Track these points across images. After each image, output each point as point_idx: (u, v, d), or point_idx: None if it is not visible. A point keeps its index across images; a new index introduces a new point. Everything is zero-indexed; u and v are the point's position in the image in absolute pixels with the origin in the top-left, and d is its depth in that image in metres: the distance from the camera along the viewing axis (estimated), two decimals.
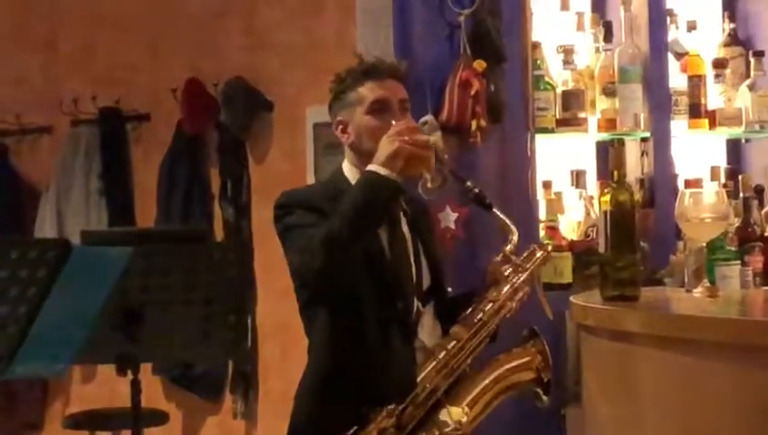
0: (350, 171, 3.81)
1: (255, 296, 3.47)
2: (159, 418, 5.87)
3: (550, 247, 3.94)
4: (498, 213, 3.69)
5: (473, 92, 4.43)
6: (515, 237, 3.68)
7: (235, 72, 6.08)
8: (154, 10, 6.46)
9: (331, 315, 3.69)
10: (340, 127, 3.80)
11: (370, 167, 3.55)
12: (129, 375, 3.35)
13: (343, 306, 3.66)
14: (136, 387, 3.37)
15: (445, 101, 4.52)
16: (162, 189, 6.35)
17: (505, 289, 3.73)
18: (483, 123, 4.53)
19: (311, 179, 5.81)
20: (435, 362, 3.67)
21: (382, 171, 3.54)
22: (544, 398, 3.73)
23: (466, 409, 3.67)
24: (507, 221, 3.69)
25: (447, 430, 3.63)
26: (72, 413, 6.34)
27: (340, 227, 3.57)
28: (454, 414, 3.64)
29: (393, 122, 3.63)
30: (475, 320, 3.71)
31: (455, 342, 3.69)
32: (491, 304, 3.71)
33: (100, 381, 6.28)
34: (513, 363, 3.76)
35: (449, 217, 4.51)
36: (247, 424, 6.18)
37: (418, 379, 3.65)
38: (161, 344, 3.48)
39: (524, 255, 3.77)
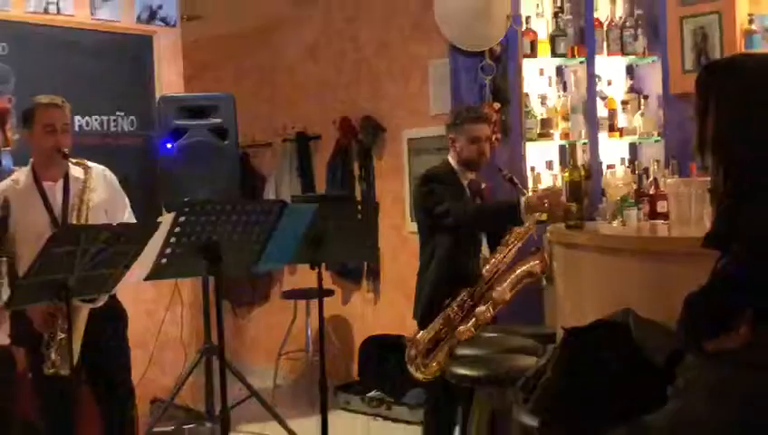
0: (454, 165, 3.85)
1: (377, 229, 3.47)
2: (330, 293, 5.89)
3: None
4: (518, 184, 3.78)
5: (493, 120, 4.48)
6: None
7: (366, 113, 6.12)
8: (327, 78, 6.52)
9: (451, 240, 3.73)
10: (451, 140, 3.88)
11: (522, 200, 3.63)
12: (315, 269, 3.28)
13: (459, 237, 3.73)
14: (319, 276, 3.28)
15: None
16: (328, 175, 6.35)
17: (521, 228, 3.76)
18: (498, 136, 4.57)
19: (406, 170, 5.88)
20: (488, 265, 3.73)
21: (522, 210, 3.59)
22: (545, 282, 3.80)
23: (506, 288, 3.70)
24: (522, 188, 3.77)
25: (495, 296, 3.68)
26: (284, 290, 6.31)
27: (479, 215, 3.73)
28: (497, 293, 3.69)
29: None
30: (509, 242, 3.75)
31: (498, 254, 3.74)
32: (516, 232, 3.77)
33: (300, 273, 6.19)
34: (529, 264, 3.77)
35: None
36: (374, 296, 6.17)
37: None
38: (332, 253, 3.35)
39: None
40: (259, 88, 6.85)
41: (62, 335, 3.14)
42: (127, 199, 3.64)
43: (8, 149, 4.38)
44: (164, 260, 2.79)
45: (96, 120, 5.05)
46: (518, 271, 3.76)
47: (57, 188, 3.41)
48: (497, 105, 4.61)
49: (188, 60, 5.65)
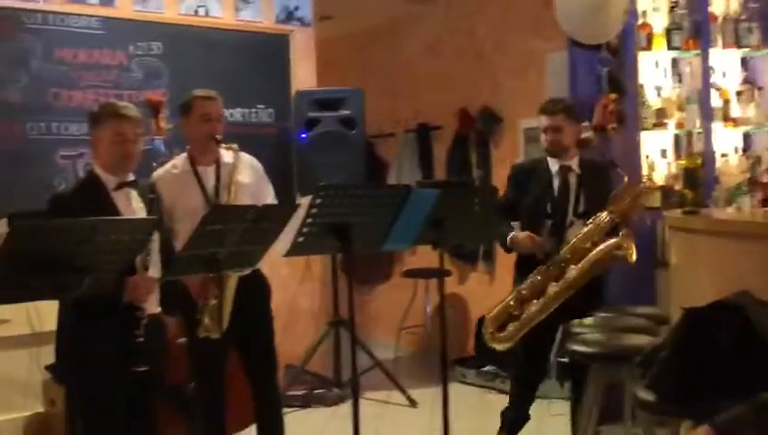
0: (545, 154, 3.83)
1: (495, 213, 3.43)
2: (447, 273, 5.90)
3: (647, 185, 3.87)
4: (620, 170, 3.68)
5: (609, 110, 4.39)
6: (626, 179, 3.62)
7: (484, 103, 6.10)
8: (446, 72, 6.52)
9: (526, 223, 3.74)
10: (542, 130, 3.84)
11: (509, 236, 3.71)
12: (437, 250, 3.22)
13: (524, 223, 3.74)
14: (441, 256, 3.23)
15: (595, 114, 4.49)
16: (448, 163, 6.36)
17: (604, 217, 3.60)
18: (614, 126, 4.48)
19: (521, 156, 5.83)
20: (568, 245, 3.64)
21: (508, 244, 3.73)
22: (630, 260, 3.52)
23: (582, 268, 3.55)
24: (623, 174, 3.66)
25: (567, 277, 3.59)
26: (405, 269, 6.32)
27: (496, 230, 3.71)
28: (569, 274, 3.57)
29: None
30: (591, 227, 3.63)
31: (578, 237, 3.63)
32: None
33: (419, 254, 6.19)
34: (606, 246, 3.53)
35: None
36: (489, 277, 6.16)
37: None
38: (452, 236, 3.26)
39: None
40: (383, 82, 6.91)
41: (214, 302, 3.27)
42: (271, 186, 3.75)
43: (162, 137, 4.57)
44: (301, 238, 2.86)
45: (238, 112, 5.22)
46: (594, 253, 3.55)
47: (210, 171, 3.54)
48: (614, 96, 4.51)
49: (320, 57, 5.76)
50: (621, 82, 4.56)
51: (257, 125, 5.33)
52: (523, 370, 3.90)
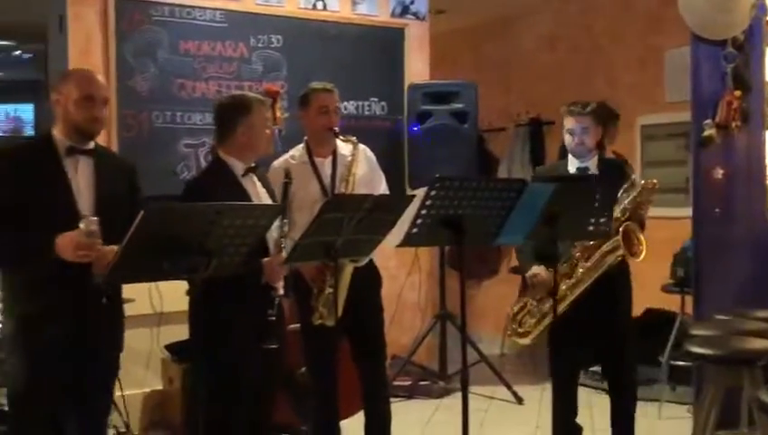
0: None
1: (612, 210, 3.38)
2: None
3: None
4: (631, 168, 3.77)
5: (733, 108, 4.25)
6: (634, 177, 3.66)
7: (599, 99, 5.96)
8: (562, 66, 6.45)
9: None
10: None
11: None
12: None
13: None
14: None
15: (718, 112, 4.35)
16: (560, 158, 6.17)
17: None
18: (738, 124, 4.32)
19: (638, 154, 5.72)
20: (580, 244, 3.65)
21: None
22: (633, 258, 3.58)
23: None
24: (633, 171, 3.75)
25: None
26: (513, 266, 6.15)
27: None
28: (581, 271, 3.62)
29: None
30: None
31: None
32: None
33: None
34: (608, 246, 3.56)
35: None
36: None
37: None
38: (567, 231, 3.22)
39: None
40: (496, 76, 6.90)
41: (330, 290, 3.37)
42: (383, 177, 3.82)
43: (278, 127, 4.72)
44: (415, 230, 2.90)
45: (352, 104, 5.33)
46: (597, 252, 3.61)
47: (327, 163, 3.64)
48: (738, 93, 4.36)
49: (434, 50, 5.80)
50: (746, 78, 4.40)
51: (369, 118, 5.43)
52: (555, 374, 3.82)
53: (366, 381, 3.74)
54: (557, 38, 6.51)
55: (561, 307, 3.57)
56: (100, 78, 2.95)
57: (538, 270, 3.66)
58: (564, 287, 3.61)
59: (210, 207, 2.52)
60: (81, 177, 2.84)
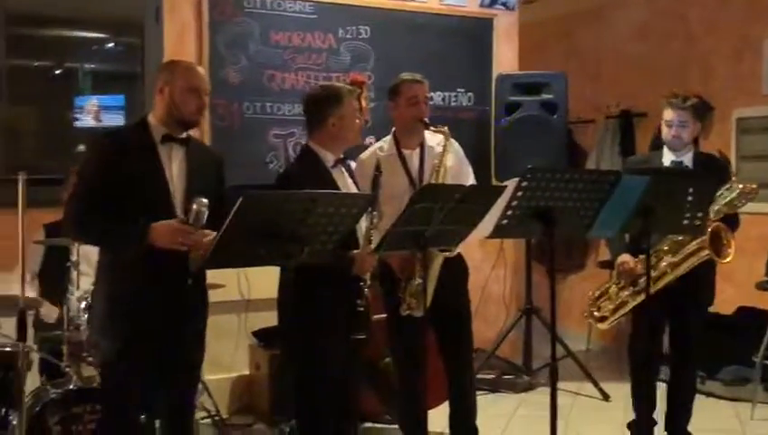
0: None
1: (709, 205, 3.31)
2: None
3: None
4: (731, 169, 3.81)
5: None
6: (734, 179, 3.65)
7: (694, 90, 5.81)
8: (655, 57, 6.31)
9: None
10: None
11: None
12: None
13: None
14: (647, 248, 3.18)
15: None
16: (652, 150, 6.09)
17: None
18: None
19: (733, 148, 5.56)
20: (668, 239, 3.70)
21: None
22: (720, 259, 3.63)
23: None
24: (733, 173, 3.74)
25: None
26: (600, 260, 5.93)
27: None
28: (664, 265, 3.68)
29: None
30: None
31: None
32: None
33: None
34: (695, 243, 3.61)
35: None
36: None
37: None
38: (661, 226, 3.20)
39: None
40: (585, 66, 6.79)
41: (418, 281, 3.40)
42: (470, 168, 3.82)
43: (363, 117, 4.75)
44: (505, 221, 2.90)
45: (439, 95, 5.34)
46: (683, 249, 3.66)
47: (414, 155, 3.66)
48: None
49: (522, 40, 5.76)
50: None
51: (456, 109, 5.43)
52: (636, 369, 3.94)
53: (451, 372, 3.75)
54: (650, 27, 6.36)
55: (640, 298, 3.64)
56: (201, 69, 3.06)
57: (626, 258, 3.74)
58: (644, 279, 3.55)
59: (305, 194, 2.59)
60: (174, 164, 2.92)
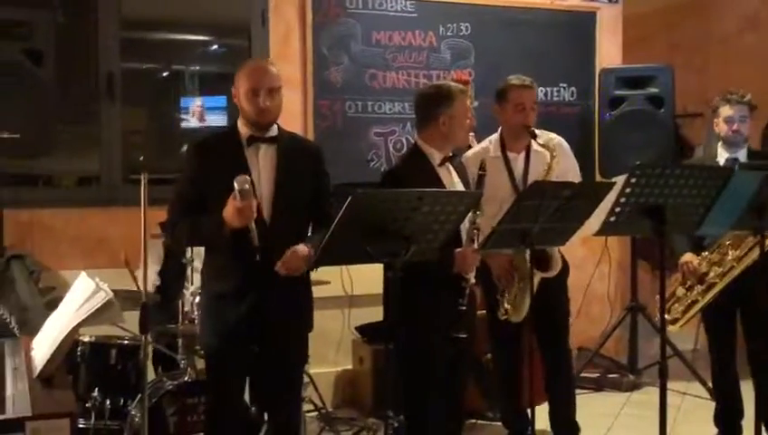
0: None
1: None
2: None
3: None
4: None
5: None
6: None
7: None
8: (766, 48, 6.08)
9: None
10: None
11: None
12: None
13: None
14: (762, 245, 3.10)
15: None
16: (763, 144, 5.88)
17: None
18: None
19: None
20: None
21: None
22: None
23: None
24: None
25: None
26: None
27: None
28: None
29: None
30: None
31: None
32: None
33: None
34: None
35: None
36: None
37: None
38: None
39: None
40: (691, 59, 6.60)
41: (516, 288, 3.39)
42: (576, 165, 3.79)
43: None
44: (613, 218, 2.87)
45: (541, 90, 5.29)
46: (744, 243, 3.63)
47: (520, 159, 3.65)
48: None
49: (626, 33, 5.65)
50: None
51: (558, 104, 5.37)
52: (716, 365, 3.95)
53: (550, 370, 3.73)
54: (761, 18, 6.13)
55: (710, 295, 3.68)
56: (272, 68, 2.99)
57: (689, 257, 3.74)
58: (713, 274, 3.65)
59: (412, 192, 2.62)
60: (262, 164, 2.94)
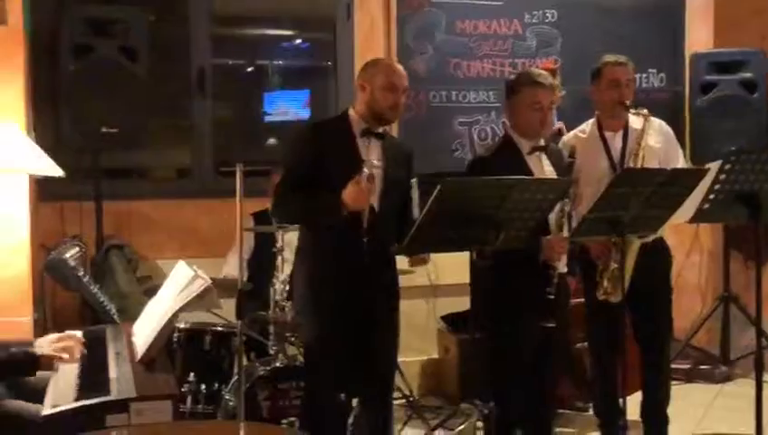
0: None
1: None
2: None
3: None
4: None
5: None
6: None
7: None
8: None
9: None
10: None
11: None
12: None
13: None
14: None
15: None
16: None
17: None
18: None
19: None
20: None
21: None
22: None
23: None
24: None
25: None
26: None
27: None
28: None
29: None
30: None
31: None
32: None
33: None
34: None
35: None
36: None
37: None
38: None
39: None
40: None
41: (615, 266, 3.34)
42: (681, 151, 3.71)
43: (555, 105, 4.70)
44: (707, 205, 2.82)
45: None
46: None
47: (617, 137, 3.59)
48: None
49: (718, 16, 5.48)
50: None
51: (647, 90, 5.26)
52: None
53: (647, 360, 3.67)
54: None
55: None
56: (401, 68, 3.14)
57: None
58: None
59: (502, 180, 2.62)
60: (371, 157, 3.02)
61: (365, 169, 2.84)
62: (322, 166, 2.97)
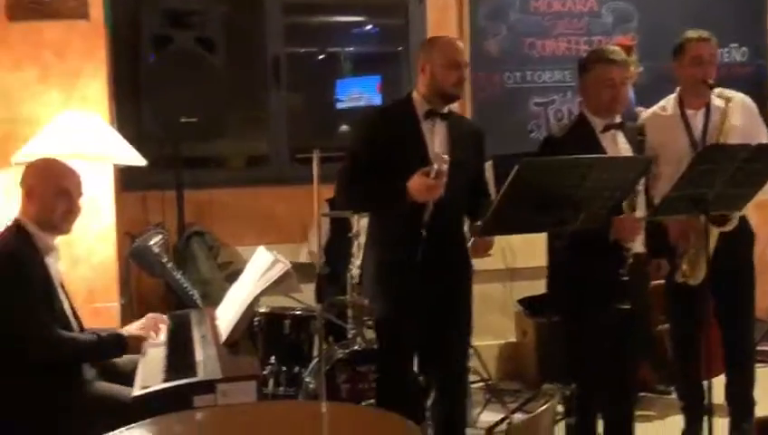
0: None
1: None
2: None
3: None
4: None
5: None
6: None
7: None
8: None
9: None
10: None
11: None
12: None
13: None
14: None
15: None
16: None
17: None
18: None
19: None
20: None
21: None
22: None
23: None
24: None
25: None
26: None
27: None
28: None
29: None
30: None
31: None
32: None
33: None
34: None
35: None
36: None
37: None
38: None
39: None
40: None
41: (694, 249, 3.27)
42: (764, 126, 3.58)
43: (632, 81, 4.59)
44: None
45: None
46: None
47: (699, 115, 3.48)
48: None
49: None
50: None
51: (729, 65, 5.09)
52: None
53: (728, 341, 3.58)
54: None
55: None
56: (459, 43, 3.14)
57: None
58: None
59: (582, 159, 2.57)
60: (436, 139, 3.02)
61: (434, 166, 2.81)
62: (385, 150, 2.97)
